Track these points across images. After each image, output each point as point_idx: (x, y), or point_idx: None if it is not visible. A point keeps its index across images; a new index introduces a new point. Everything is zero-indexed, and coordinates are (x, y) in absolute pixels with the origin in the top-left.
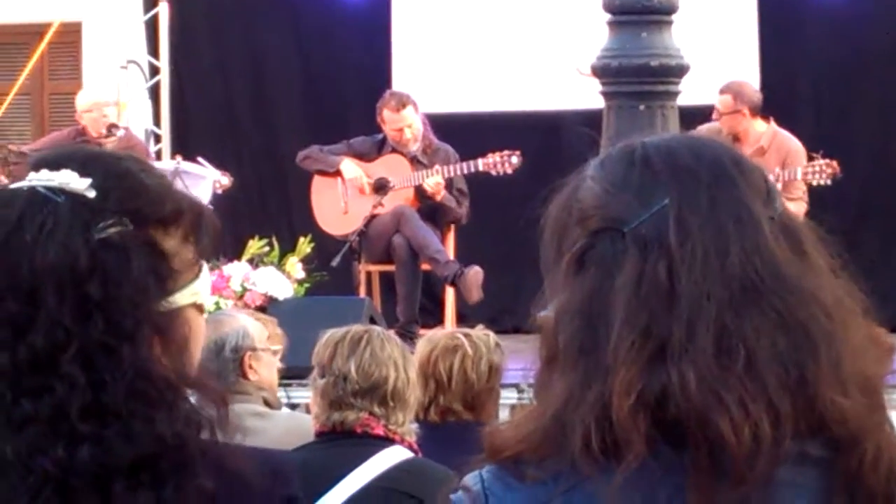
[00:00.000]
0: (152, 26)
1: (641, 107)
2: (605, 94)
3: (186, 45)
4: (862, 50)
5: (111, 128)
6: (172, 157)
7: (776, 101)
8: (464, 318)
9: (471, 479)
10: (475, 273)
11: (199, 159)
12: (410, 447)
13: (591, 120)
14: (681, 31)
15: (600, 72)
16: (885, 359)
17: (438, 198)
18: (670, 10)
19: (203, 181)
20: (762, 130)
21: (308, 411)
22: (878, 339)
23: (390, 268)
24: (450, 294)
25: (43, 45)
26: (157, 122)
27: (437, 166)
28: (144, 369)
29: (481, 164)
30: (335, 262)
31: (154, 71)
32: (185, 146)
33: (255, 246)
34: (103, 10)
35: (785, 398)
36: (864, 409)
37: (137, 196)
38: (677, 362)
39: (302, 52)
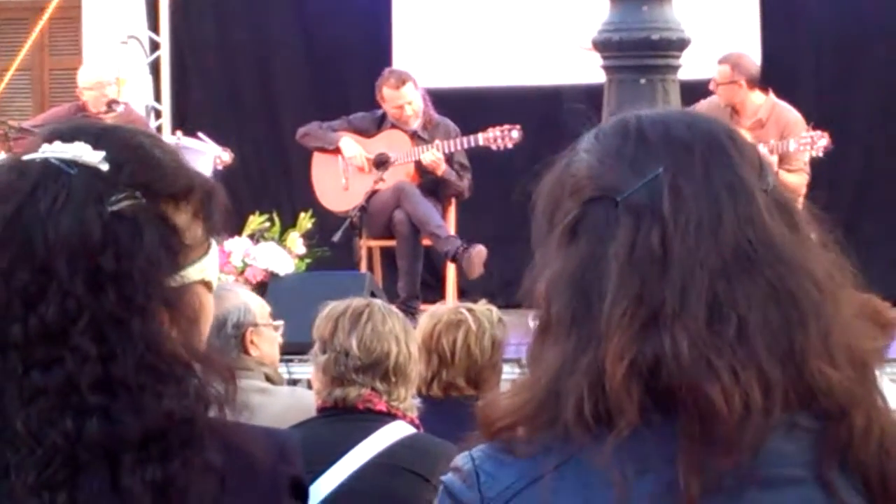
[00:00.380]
0: (152, 1)
1: (642, 81)
2: (606, 69)
3: (187, 20)
4: (864, 22)
5: (111, 104)
6: (173, 132)
7: (778, 74)
8: (465, 294)
9: (461, 459)
10: (479, 252)
11: (200, 135)
12: (412, 423)
13: (592, 94)
14: (682, 4)
15: (601, 46)
16: (879, 333)
17: (439, 172)
18: None
19: (203, 157)
20: (760, 102)
21: (309, 387)
22: (878, 313)
23: (391, 243)
24: (451, 269)
25: (43, 21)
26: (157, 97)
27: (437, 141)
28: (155, 343)
29: (481, 138)
30: (336, 238)
31: (154, 46)
32: (185, 122)
33: (255, 221)
34: None
35: (775, 367)
36: (853, 381)
37: (150, 170)
38: (670, 329)
39: (303, 27)
